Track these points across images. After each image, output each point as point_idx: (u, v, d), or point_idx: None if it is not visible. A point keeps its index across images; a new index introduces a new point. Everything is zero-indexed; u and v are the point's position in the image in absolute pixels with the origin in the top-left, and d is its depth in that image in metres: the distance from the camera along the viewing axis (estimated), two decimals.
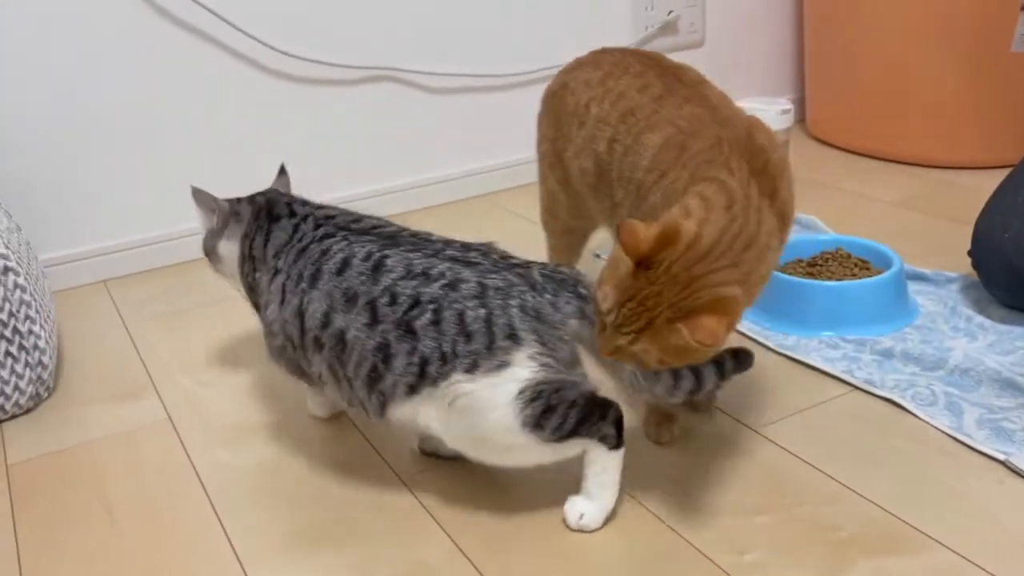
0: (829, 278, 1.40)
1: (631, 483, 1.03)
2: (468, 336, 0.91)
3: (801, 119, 2.34)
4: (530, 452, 0.94)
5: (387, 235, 1.03)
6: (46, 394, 1.30)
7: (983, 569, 0.88)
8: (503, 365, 0.90)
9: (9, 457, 1.18)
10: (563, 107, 1.21)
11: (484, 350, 0.90)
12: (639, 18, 2.13)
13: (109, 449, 1.19)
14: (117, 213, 1.71)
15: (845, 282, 1.37)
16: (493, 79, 2.00)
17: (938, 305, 1.38)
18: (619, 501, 1.00)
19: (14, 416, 1.27)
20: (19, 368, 1.25)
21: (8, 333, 1.23)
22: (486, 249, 1.00)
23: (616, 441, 0.95)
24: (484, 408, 0.91)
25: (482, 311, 0.91)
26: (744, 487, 1.02)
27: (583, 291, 0.94)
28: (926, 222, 1.73)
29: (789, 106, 1.96)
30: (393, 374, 0.94)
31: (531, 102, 2.05)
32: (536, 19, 2.03)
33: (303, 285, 1.00)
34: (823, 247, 1.48)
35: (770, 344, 1.31)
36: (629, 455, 1.07)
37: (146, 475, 1.12)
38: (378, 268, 0.97)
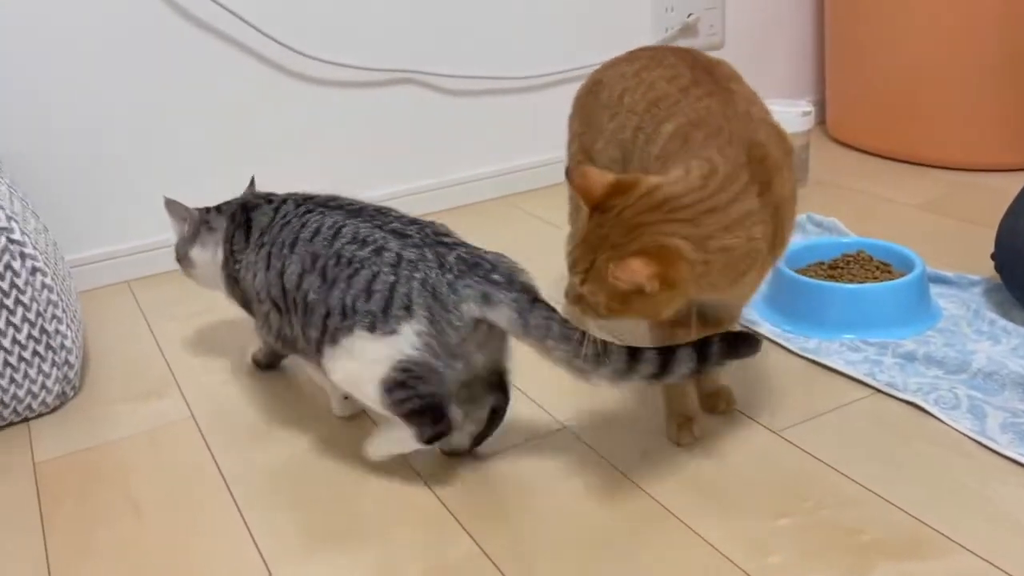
0: (850, 281, 1.40)
1: (654, 485, 1.03)
2: (369, 296, 0.99)
3: (821, 121, 2.33)
4: (378, 406, 1.03)
5: (353, 210, 1.10)
6: (72, 393, 1.32)
7: (1007, 574, 0.88)
8: (393, 332, 0.97)
9: (36, 455, 1.19)
10: (595, 102, 1.21)
11: (380, 313, 0.98)
12: (659, 20, 2.13)
13: (134, 447, 1.20)
14: (141, 215, 1.73)
15: (867, 285, 1.36)
16: (513, 81, 2.01)
17: (961, 308, 1.37)
18: (640, 503, 1.00)
19: (41, 415, 1.28)
20: (46, 367, 1.26)
21: (36, 333, 1.24)
22: (434, 227, 1.06)
23: (422, 442, 1.03)
24: (365, 360, 1.00)
25: (391, 278, 0.99)
26: (766, 490, 1.02)
27: (497, 277, 0.98)
28: (948, 225, 1.73)
29: (810, 108, 1.95)
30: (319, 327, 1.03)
31: (551, 104, 2.06)
32: (556, 22, 2.03)
33: (284, 251, 1.09)
34: (844, 249, 1.47)
35: (791, 347, 1.31)
36: (651, 457, 1.08)
37: (171, 473, 1.14)
38: (336, 235, 1.05)
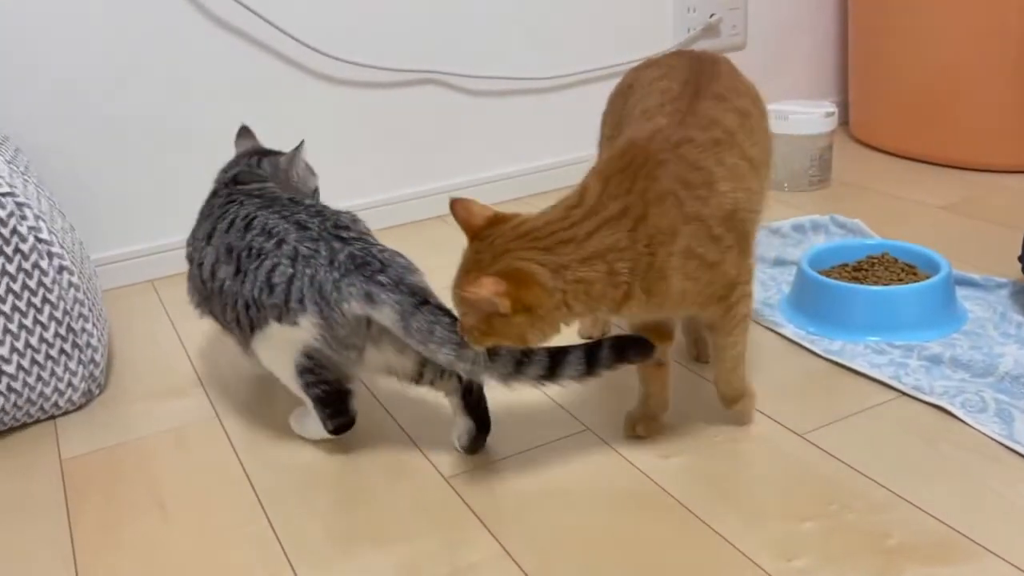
0: (875, 283, 1.39)
1: (677, 487, 1.03)
2: (272, 289, 1.05)
3: (844, 122, 2.31)
4: (297, 390, 1.11)
5: (269, 198, 1.17)
6: (98, 391, 1.33)
7: None
8: (295, 324, 1.04)
9: (63, 452, 1.21)
10: (624, 104, 1.21)
11: (283, 305, 1.04)
12: (681, 21, 2.12)
13: (159, 445, 1.21)
14: (165, 214, 1.74)
15: (892, 287, 1.35)
16: (535, 82, 2.01)
17: (987, 311, 1.36)
18: (663, 505, 1.00)
19: (67, 412, 1.30)
20: (72, 365, 1.27)
21: (62, 331, 1.25)
22: (337, 219, 1.10)
23: (328, 432, 1.12)
24: (280, 346, 1.07)
25: (289, 271, 1.04)
26: (791, 492, 1.01)
27: (383, 278, 1.01)
28: (974, 226, 1.71)
29: (833, 109, 1.94)
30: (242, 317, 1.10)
31: (572, 105, 2.07)
32: (578, 22, 2.03)
33: (202, 243, 1.17)
34: (869, 251, 1.46)
35: (815, 349, 1.30)
36: (674, 458, 1.07)
37: (196, 472, 1.14)
38: (248, 226, 1.11)
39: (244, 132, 1.44)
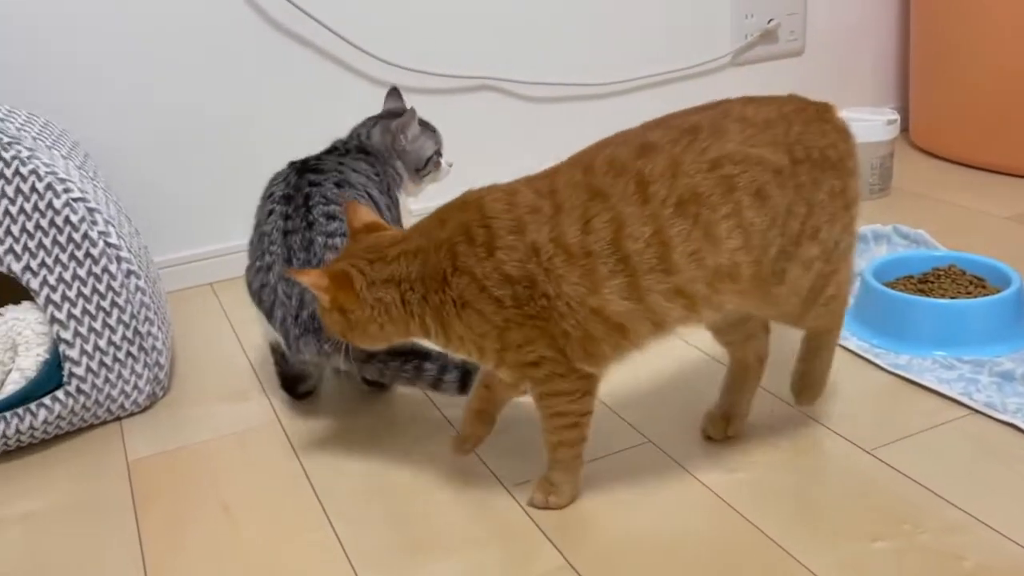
0: (942, 295, 1.36)
1: (742, 502, 1.01)
2: (260, 299, 1.21)
3: (904, 129, 2.27)
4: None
5: (292, 206, 1.23)
6: (162, 393, 1.35)
7: None
8: (270, 323, 1.21)
9: (130, 454, 1.23)
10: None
11: (267, 315, 1.21)
12: (739, 27, 2.10)
13: (222, 448, 1.22)
14: (225, 217, 1.77)
15: (961, 300, 1.32)
16: (591, 88, 2.00)
17: None
18: (729, 520, 0.99)
19: (132, 414, 1.32)
20: (138, 368, 1.30)
21: (129, 334, 1.28)
22: (303, 237, 1.19)
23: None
24: (265, 325, 1.23)
25: (272, 297, 1.19)
26: (861, 511, 0.99)
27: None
28: None
29: (895, 116, 1.91)
30: None
31: (630, 111, 2.04)
32: (635, 28, 2.02)
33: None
34: (935, 263, 1.43)
35: (881, 363, 1.28)
36: (739, 473, 1.06)
37: (259, 476, 1.16)
38: (268, 234, 1.23)
39: (393, 92, 1.51)
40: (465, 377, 1.16)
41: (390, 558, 0.99)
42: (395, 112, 1.46)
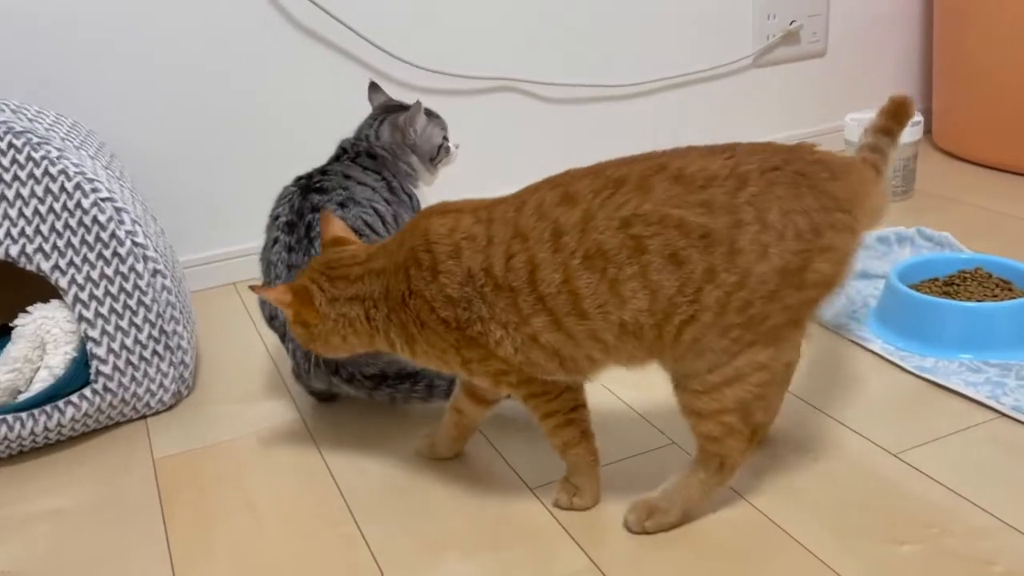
0: (968, 298, 1.35)
1: (768, 504, 1.01)
2: (272, 321, 1.25)
3: (927, 130, 2.26)
4: None
5: (296, 233, 1.24)
6: (187, 392, 1.36)
7: None
8: None
9: (155, 452, 1.24)
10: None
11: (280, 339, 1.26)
12: (760, 28, 2.10)
13: (246, 447, 1.23)
14: (249, 218, 1.77)
15: (988, 303, 1.31)
16: (613, 89, 2.00)
17: None
18: (755, 523, 0.99)
19: (157, 413, 1.33)
20: (164, 367, 1.31)
21: (156, 333, 1.29)
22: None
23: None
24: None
25: (283, 330, 1.23)
26: (887, 514, 0.99)
27: (342, 372, 1.19)
28: None
29: (919, 118, 1.90)
30: None
31: (650, 112, 2.05)
32: (657, 29, 2.02)
33: None
34: (961, 266, 1.42)
35: (906, 365, 1.27)
36: (765, 475, 1.06)
37: (284, 474, 1.16)
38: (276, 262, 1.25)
39: (373, 86, 1.51)
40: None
41: (415, 556, 0.99)
42: (391, 107, 1.45)
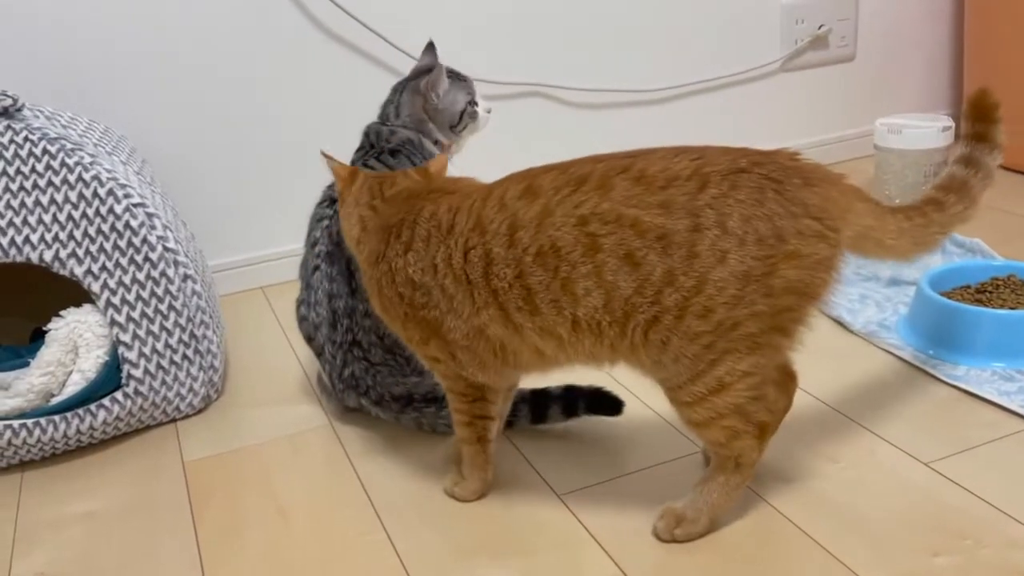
0: (1000, 306, 1.33)
1: (797, 513, 1.00)
2: (311, 341, 1.27)
3: (958, 135, 2.23)
4: None
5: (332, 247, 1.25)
6: (215, 396, 1.37)
7: None
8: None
9: (185, 455, 1.25)
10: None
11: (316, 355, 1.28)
12: (788, 32, 2.08)
13: (275, 450, 1.24)
14: (277, 222, 1.79)
15: (1021, 311, 1.29)
16: (640, 94, 2.00)
17: None
18: (785, 532, 0.98)
19: (187, 416, 1.34)
20: (194, 371, 1.32)
21: (186, 337, 1.30)
22: (354, 335, 1.21)
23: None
24: None
25: (319, 348, 1.26)
26: (920, 524, 0.98)
27: (372, 395, 1.23)
28: None
29: (950, 123, 1.88)
30: None
31: (679, 117, 2.05)
32: (684, 34, 2.01)
33: None
34: (993, 273, 1.41)
35: (937, 374, 1.26)
36: (794, 484, 1.05)
37: (312, 478, 1.17)
38: (316, 269, 1.26)
39: (429, 48, 1.46)
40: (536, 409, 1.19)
41: (443, 561, 0.99)
42: (422, 70, 1.39)
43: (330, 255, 1.23)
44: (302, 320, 1.26)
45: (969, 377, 1.24)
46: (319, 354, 1.25)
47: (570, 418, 1.18)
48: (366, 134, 1.38)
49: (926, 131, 1.86)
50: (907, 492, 1.03)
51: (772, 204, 0.86)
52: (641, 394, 1.24)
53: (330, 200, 1.29)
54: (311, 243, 1.27)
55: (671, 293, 0.87)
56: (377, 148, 1.35)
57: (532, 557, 0.98)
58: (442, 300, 0.97)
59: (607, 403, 1.18)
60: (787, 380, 1.05)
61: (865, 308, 1.46)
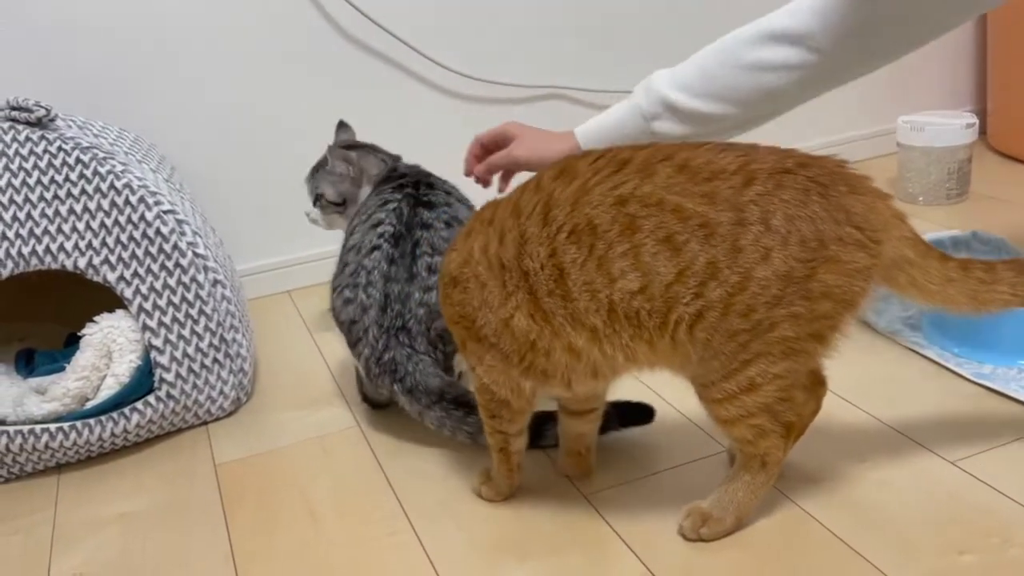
0: None
1: (823, 512, 1.01)
2: (351, 328, 1.25)
3: (982, 132, 2.22)
4: None
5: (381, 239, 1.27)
6: (245, 399, 1.40)
7: None
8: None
9: (217, 457, 1.27)
10: None
11: (352, 345, 1.26)
12: None
13: (305, 453, 1.26)
14: (301, 227, 1.80)
15: None
16: None
17: None
18: (811, 532, 0.98)
19: (218, 419, 1.36)
20: (224, 374, 1.34)
21: (216, 341, 1.32)
22: (403, 320, 1.21)
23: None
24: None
25: (360, 333, 1.23)
26: (946, 523, 0.98)
27: (406, 382, 1.20)
28: None
29: (974, 120, 1.87)
30: None
31: None
32: (704, 34, 2.01)
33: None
34: None
35: (963, 372, 1.25)
36: (821, 483, 1.05)
37: (341, 479, 1.19)
38: (356, 270, 1.27)
39: (341, 126, 1.56)
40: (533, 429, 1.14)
41: (470, 561, 1.00)
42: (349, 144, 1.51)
43: (396, 236, 1.24)
44: (346, 303, 1.24)
45: (995, 375, 1.24)
46: (357, 340, 1.22)
47: (603, 434, 1.15)
48: (402, 173, 1.40)
49: (949, 128, 1.85)
50: (933, 491, 1.03)
51: (816, 207, 0.86)
52: (666, 395, 1.25)
53: (398, 186, 1.32)
54: (373, 224, 1.26)
55: (716, 287, 0.86)
56: (423, 179, 1.36)
57: (559, 557, 1.00)
58: (476, 293, 0.96)
59: (639, 413, 1.17)
60: (817, 385, 1.05)
61: (889, 306, 1.45)
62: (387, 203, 1.28)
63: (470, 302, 0.98)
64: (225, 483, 1.21)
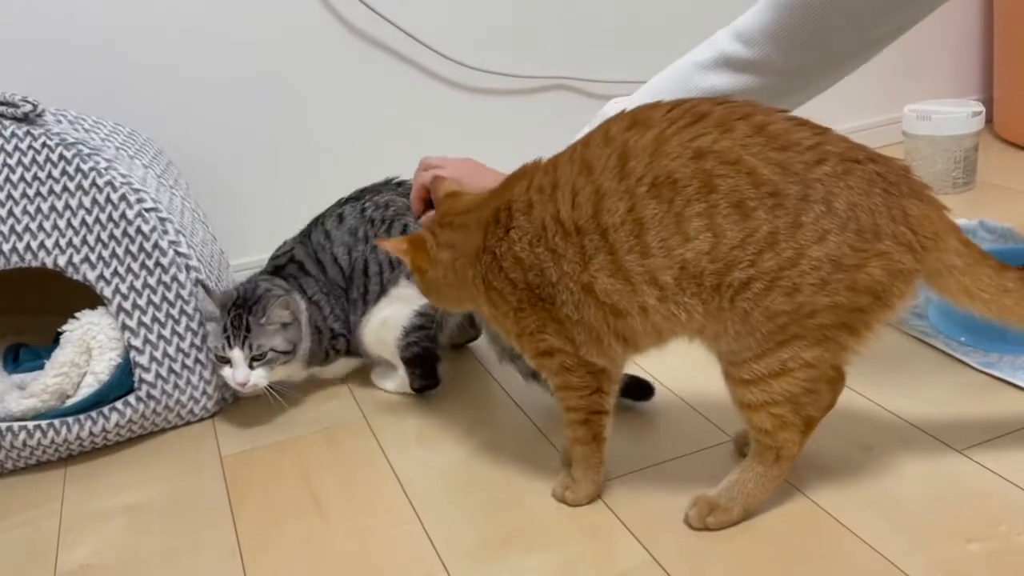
0: None
1: (831, 501, 1.01)
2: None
3: (988, 120, 2.20)
4: (394, 349, 1.33)
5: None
6: (231, 400, 1.39)
7: None
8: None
9: (223, 449, 1.27)
10: None
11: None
12: None
13: (311, 444, 1.26)
14: (299, 224, 1.80)
15: None
16: None
17: None
18: (817, 519, 0.98)
19: (202, 419, 1.35)
20: (207, 375, 1.32)
21: (198, 341, 1.30)
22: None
23: (413, 389, 1.33)
24: (402, 304, 1.32)
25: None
26: (953, 512, 0.97)
27: None
28: None
29: (980, 108, 1.86)
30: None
31: None
32: (710, 25, 2.00)
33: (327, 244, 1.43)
34: None
35: (970, 361, 1.25)
36: (828, 472, 1.05)
37: (347, 471, 1.19)
38: (362, 211, 1.38)
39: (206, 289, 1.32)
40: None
41: (476, 552, 1.00)
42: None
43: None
44: None
45: (1002, 364, 1.23)
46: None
47: None
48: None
49: (955, 116, 1.84)
50: (940, 479, 1.03)
51: (878, 199, 0.86)
52: (672, 385, 1.25)
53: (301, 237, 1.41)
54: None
55: (770, 258, 0.86)
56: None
57: (565, 545, 1.00)
58: (552, 268, 0.93)
59: (638, 388, 1.18)
60: (837, 379, 1.04)
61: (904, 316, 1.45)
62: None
63: (547, 282, 0.94)
64: (231, 475, 1.21)
